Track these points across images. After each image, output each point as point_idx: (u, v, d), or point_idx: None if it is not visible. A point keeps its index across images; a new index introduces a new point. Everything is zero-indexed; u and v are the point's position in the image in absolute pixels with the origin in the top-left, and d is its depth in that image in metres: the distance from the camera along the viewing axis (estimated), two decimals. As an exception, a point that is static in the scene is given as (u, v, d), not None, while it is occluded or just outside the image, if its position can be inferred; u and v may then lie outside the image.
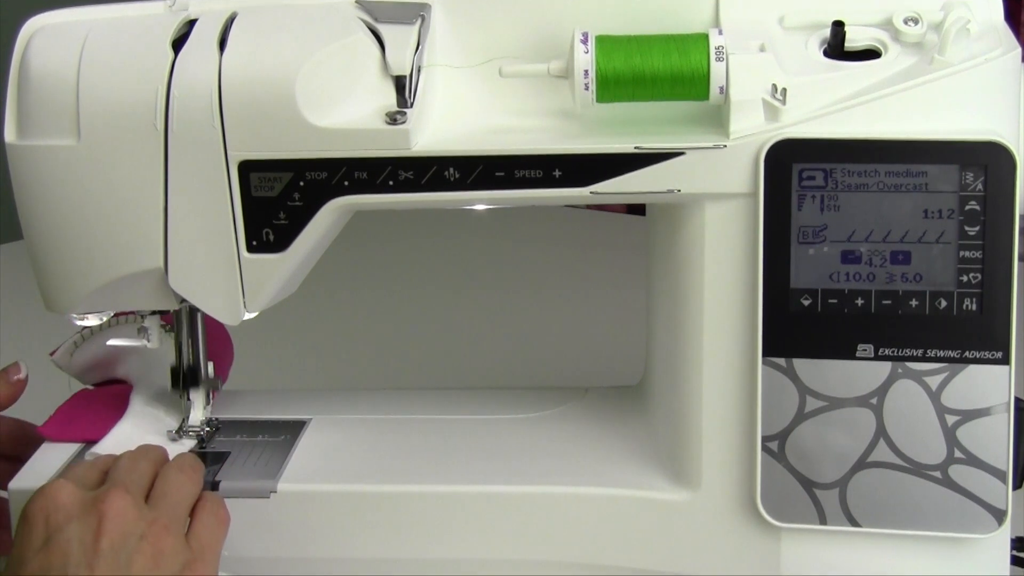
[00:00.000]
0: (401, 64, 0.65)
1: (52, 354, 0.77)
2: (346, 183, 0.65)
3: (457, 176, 0.65)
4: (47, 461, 0.74)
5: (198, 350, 0.75)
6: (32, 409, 0.78)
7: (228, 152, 0.65)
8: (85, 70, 0.65)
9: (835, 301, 0.64)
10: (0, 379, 0.76)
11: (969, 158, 0.62)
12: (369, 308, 1.26)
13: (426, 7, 0.68)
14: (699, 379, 0.68)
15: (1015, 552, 0.68)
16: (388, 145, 0.64)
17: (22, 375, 0.76)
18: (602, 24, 0.66)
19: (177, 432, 0.75)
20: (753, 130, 0.63)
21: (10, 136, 0.67)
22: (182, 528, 0.64)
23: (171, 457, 0.69)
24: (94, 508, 0.61)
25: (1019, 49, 0.64)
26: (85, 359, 0.78)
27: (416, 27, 0.67)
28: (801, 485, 0.66)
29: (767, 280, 0.65)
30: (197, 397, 0.76)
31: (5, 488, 0.73)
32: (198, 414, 0.76)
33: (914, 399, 0.64)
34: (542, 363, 1.10)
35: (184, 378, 0.75)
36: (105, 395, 0.78)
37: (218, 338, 0.77)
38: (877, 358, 0.64)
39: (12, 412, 0.77)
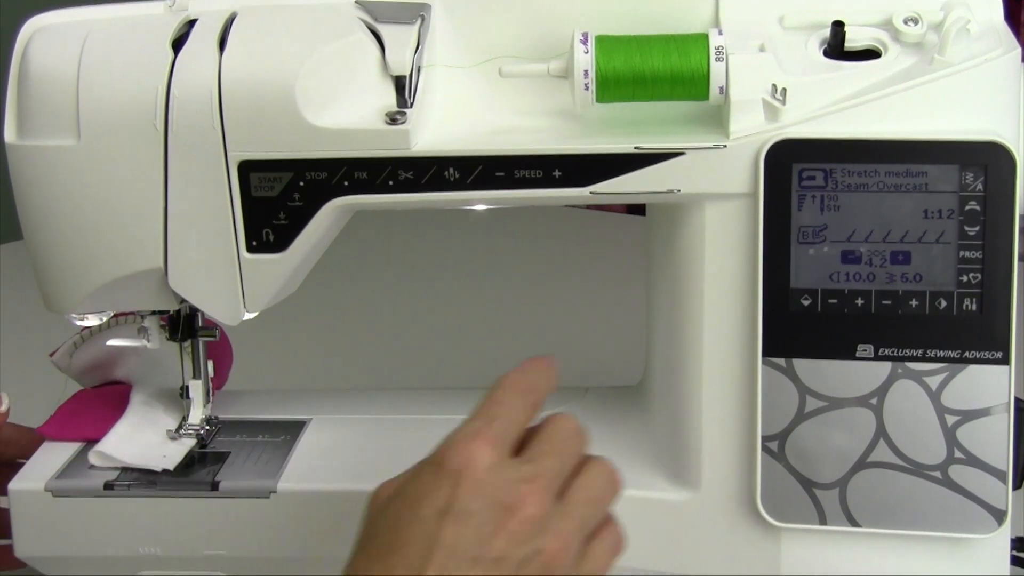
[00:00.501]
0: (401, 64, 0.65)
1: (51, 355, 0.77)
2: (346, 183, 0.65)
3: (457, 176, 0.65)
4: (47, 461, 0.74)
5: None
6: (32, 409, 0.78)
7: (228, 152, 0.65)
8: (85, 70, 0.65)
9: (835, 301, 0.64)
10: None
11: (969, 158, 0.62)
12: (369, 308, 1.26)
13: (426, 7, 0.68)
14: (699, 379, 0.68)
15: (1015, 552, 0.68)
16: (388, 145, 0.64)
17: (3, 408, 0.74)
18: (602, 24, 0.66)
19: (177, 431, 0.75)
20: (753, 130, 0.63)
21: (10, 136, 0.67)
22: (582, 548, 0.57)
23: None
24: (506, 497, 0.55)
25: (1019, 49, 0.64)
26: (84, 360, 0.78)
27: (416, 27, 0.67)
28: (801, 485, 0.66)
29: (767, 280, 0.65)
30: (197, 394, 0.76)
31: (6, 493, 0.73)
32: (198, 413, 0.76)
33: (914, 399, 0.64)
34: (542, 363, 1.09)
35: (182, 327, 0.74)
36: (105, 395, 0.78)
37: (218, 342, 0.77)
38: (877, 358, 0.64)
39: (13, 413, 0.77)
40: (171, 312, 0.73)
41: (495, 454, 0.55)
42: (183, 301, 0.69)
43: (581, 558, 0.56)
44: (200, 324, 0.74)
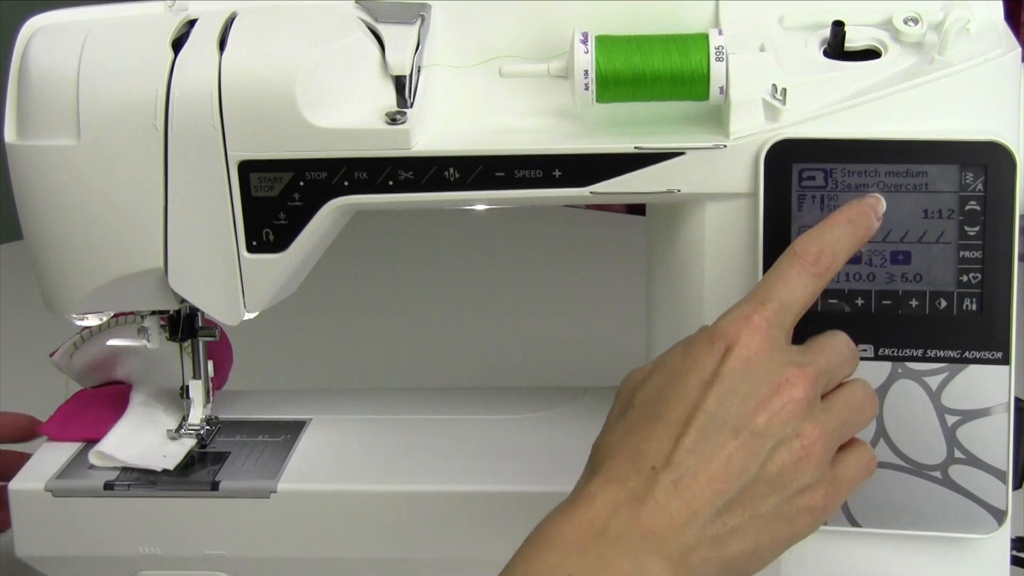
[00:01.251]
0: (401, 64, 0.65)
1: (52, 355, 0.77)
2: (346, 183, 0.65)
3: (457, 176, 0.65)
4: (47, 461, 0.74)
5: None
6: (33, 409, 0.78)
7: (228, 152, 0.65)
8: (85, 70, 0.65)
9: (835, 301, 0.64)
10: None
11: (969, 158, 0.62)
12: (369, 308, 1.26)
13: (426, 7, 0.68)
14: (699, 379, 0.68)
15: (1015, 552, 0.68)
16: (388, 145, 0.64)
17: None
18: (602, 24, 0.66)
19: (177, 431, 0.75)
20: (753, 130, 0.63)
21: (10, 136, 0.67)
22: (833, 451, 0.57)
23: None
24: (774, 376, 0.55)
25: (1019, 49, 0.64)
26: (85, 360, 0.78)
27: (416, 27, 0.67)
28: (801, 485, 0.66)
29: (767, 280, 0.65)
30: (197, 394, 0.76)
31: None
32: (198, 413, 0.76)
33: (914, 399, 0.64)
34: (542, 363, 1.10)
35: (182, 327, 0.74)
36: (105, 395, 0.78)
37: (218, 342, 0.77)
38: (877, 358, 0.64)
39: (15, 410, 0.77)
40: (171, 312, 0.73)
41: (765, 338, 0.56)
42: (183, 301, 0.69)
43: (833, 465, 0.57)
44: (200, 324, 0.74)
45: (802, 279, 0.58)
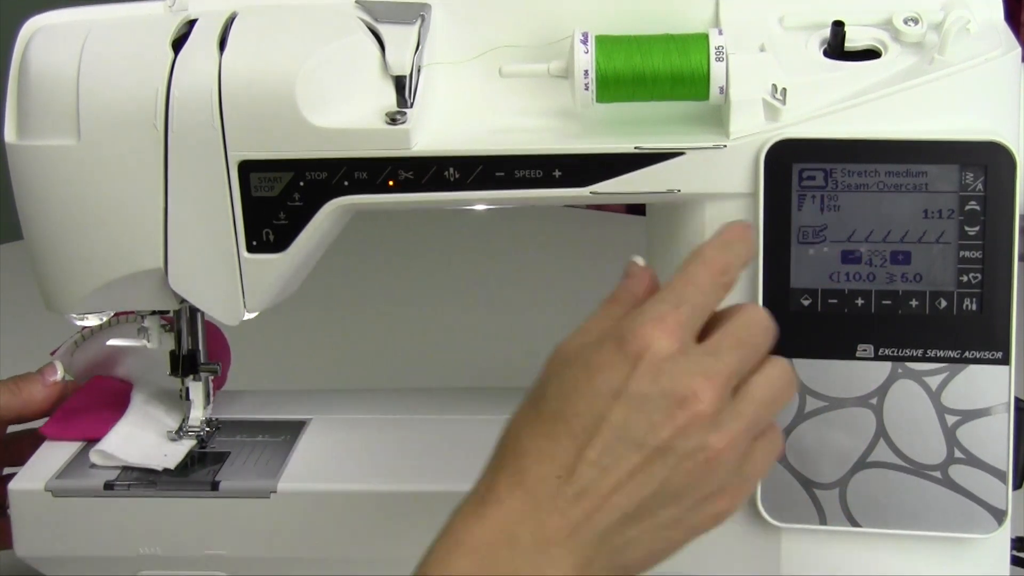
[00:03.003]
0: (401, 64, 0.65)
1: (52, 354, 0.77)
2: (346, 183, 0.65)
3: (457, 176, 0.65)
4: (47, 461, 0.74)
5: (197, 338, 0.74)
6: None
7: (228, 152, 0.65)
8: (85, 70, 0.65)
9: (835, 301, 0.64)
10: (32, 382, 0.75)
11: (969, 158, 0.62)
12: (369, 308, 1.26)
13: (426, 7, 0.68)
14: (699, 379, 0.68)
15: (1015, 552, 0.68)
16: (388, 145, 0.64)
17: (58, 377, 0.75)
18: (602, 24, 0.66)
19: (177, 432, 0.75)
20: (753, 130, 0.63)
21: (10, 136, 0.67)
22: (744, 452, 0.56)
23: None
24: (681, 388, 0.54)
25: (1019, 49, 0.64)
26: (86, 359, 0.78)
27: (416, 27, 0.67)
28: (801, 485, 0.66)
29: (767, 280, 0.65)
30: (197, 395, 0.76)
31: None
32: (198, 414, 0.76)
33: (914, 399, 0.64)
34: (542, 363, 1.09)
35: (183, 365, 0.75)
36: (105, 393, 0.78)
37: (215, 341, 0.77)
38: (877, 358, 0.64)
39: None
40: (172, 349, 0.74)
41: (677, 342, 0.55)
42: (183, 301, 0.69)
43: (743, 458, 0.56)
44: (202, 360, 0.75)
45: (713, 286, 0.57)
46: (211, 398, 0.77)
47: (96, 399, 0.78)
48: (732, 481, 0.56)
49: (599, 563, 0.54)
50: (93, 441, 0.74)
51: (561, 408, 0.55)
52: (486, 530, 0.54)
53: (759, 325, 0.57)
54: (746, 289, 0.65)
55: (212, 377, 0.76)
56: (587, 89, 0.64)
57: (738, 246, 0.58)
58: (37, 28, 0.68)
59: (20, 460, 0.75)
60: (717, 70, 0.63)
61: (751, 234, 0.59)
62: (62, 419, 0.76)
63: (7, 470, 0.76)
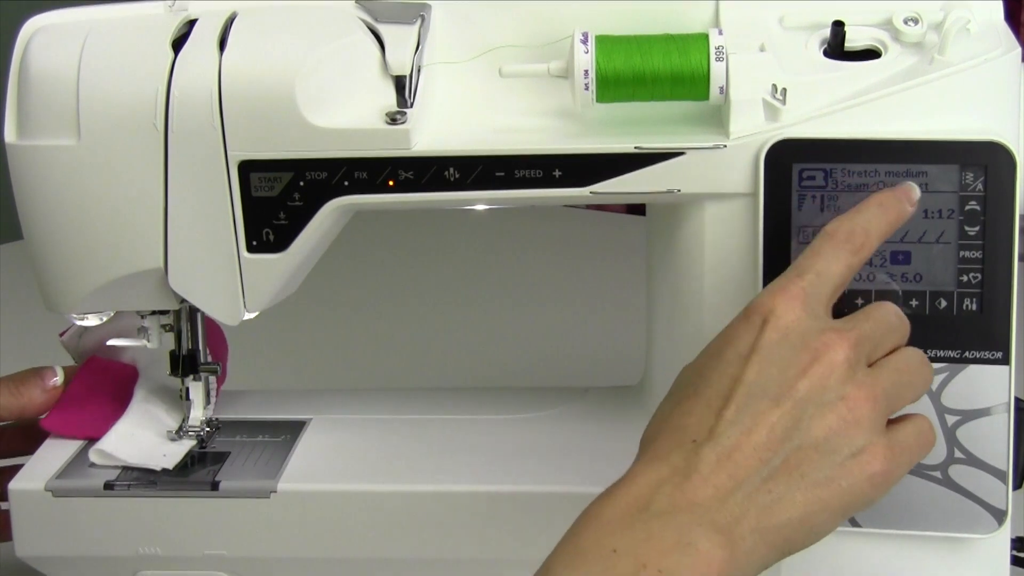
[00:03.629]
0: (401, 64, 0.65)
1: (61, 335, 0.77)
2: (346, 183, 0.65)
3: (457, 176, 0.65)
4: (47, 461, 0.74)
5: (197, 338, 0.74)
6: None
7: (228, 152, 0.65)
8: (85, 70, 0.65)
9: (835, 301, 0.64)
10: (32, 383, 0.74)
11: (969, 158, 0.62)
12: (369, 308, 1.26)
13: (426, 7, 0.68)
14: (699, 379, 0.68)
15: (1015, 552, 0.68)
16: (388, 145, 0.64)
17: (58, 381, 0.75)
18: (602, 24, 0.66)
19: (177, 432, 0.75)
20: (753, 130, 0.63)
21: (10, 136, 0.67)
22: (886, 416, 0.56)
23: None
24: (813, 342, 0.55)
25: (1019, 49, 0.64)
26: (93, 341, 0.77)
27: (416, 27, 0.67)
28: (801, 485, 0.66)
29: (767, 280, 0.65)
30: (197, 395, 0.76)
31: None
32: (198, 413, 0.76)
33: (914, 399, 0.64)
34: (542, 363, 1.10)
35: (183, 365, 0.75)
36: (105, 380, 0.77)
37: (213, 335, 0.77)
38: (877, 358, 0.64)
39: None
40: (171, 349, 0.74)
41: (802, 306, 0.56)
42: (183, 301, 0.69)
43: (890, 431, 0.56)
44: (203, 360, 0.75)
45: (837, 254, 0.58)
46: (212, 397, 0.76)
47: (96, 386, 0.77)
48: (881, 440, 0.55)
49: (748, 523, 0.52)
50: (93, 441, 0.74)
51: (693, 387, 0.55)
52: (618, 505, 0.52)
53: (893, 315, 0.58)
54: (747, 289, 0.65)
55: (213, 377, 0.76)
56: (587, 89, 0.64)
57: (873, 211, 0.59)
58: (37, 28, 0.68)
59: (10, 452, 0.75)
60: (717, 70, 0.63)
61: (902, 196, 0.60)
62: (62, 411, 0.76)
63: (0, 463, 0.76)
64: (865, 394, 0.55)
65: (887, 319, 0.58)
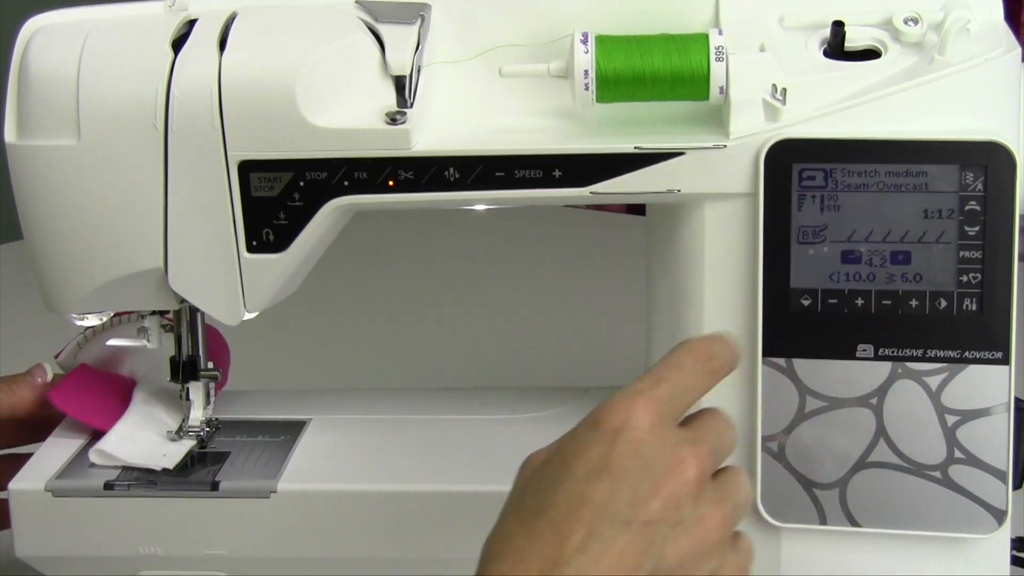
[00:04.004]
0: (401, 64, 0.65)
1: (57, 356, 0.77)
2: (346, 183, 0.65)
3: (457, 176, 0.65)
4: (48, 461, 0.74)
5: (197, 343, 0.75)
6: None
7: (228, 152, 0.65)
8: (85, 70, 0.65)
9: (835, 301, 0.64)
10: (23, 383, 0.75)
11: (969, 158, 0.62)
12: (369, 308, 1.26)
13: (426, 7, 0.68)
14: (699, 379, 0.68)
15: (1015, 552, 0.68)
16: (388, 145, 0.64)
17: (48, 378, 0.76)
18: (602, 24, 0.66)
19: (177, 432, 0.75)
20: (753, 130, 0.63)
21: (10, 136, 0.67)
22: (731, 530, 0.54)
23: None
24: (666, 458, 0.51)
25: (1019, 49, 0.64)
26: (89, 359, 0.78)
27: (416, 27, 0.67)
28: (801, 485, 0.66)
29: (767, 280, 0.65)
30: (197, 396, 0.76)
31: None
32: (198, 414, 0.76)
33: (914, 399, 0.64)
34: (542, 363, 1.10)
35: (183, 371, 0.75)
36: (110, 378, 0.78)
37: (214, 343, 0.77)
38: (877, 358, 0.64)
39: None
40: (172, 355, 0.74)
41: (656, 415, 0.52)
42: (183, 301, 0.69)
43: (734, 549, 0.53)
44: (203, 366, 0.75)
45: (697, 369, 0.54)
46: (212, 399, 0.76)
47: (102, 376, 0.77)
48: (732, 558, 0.52)
49: None
50: (93, 440, 0.74)
51: (540, 504, 0.51)
52: None
53: (726, 423, 0.55)
54: (746, 289, 0.65)
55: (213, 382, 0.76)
56: (587, 89, 0.64)
57: (725, 345, 0.56)
58: (37, 28, 0.68)
59: (5, 445, 0.76)
60: (717, 70, 0.63)
61: (736, 348, 0.57)
62: (71, 390, 0.75)
63: None
64: (719, 517, 0.52)
65: (726, 431, 0.55)
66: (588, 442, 0.51)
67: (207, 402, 0.76)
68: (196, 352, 0.75)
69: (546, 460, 0.53)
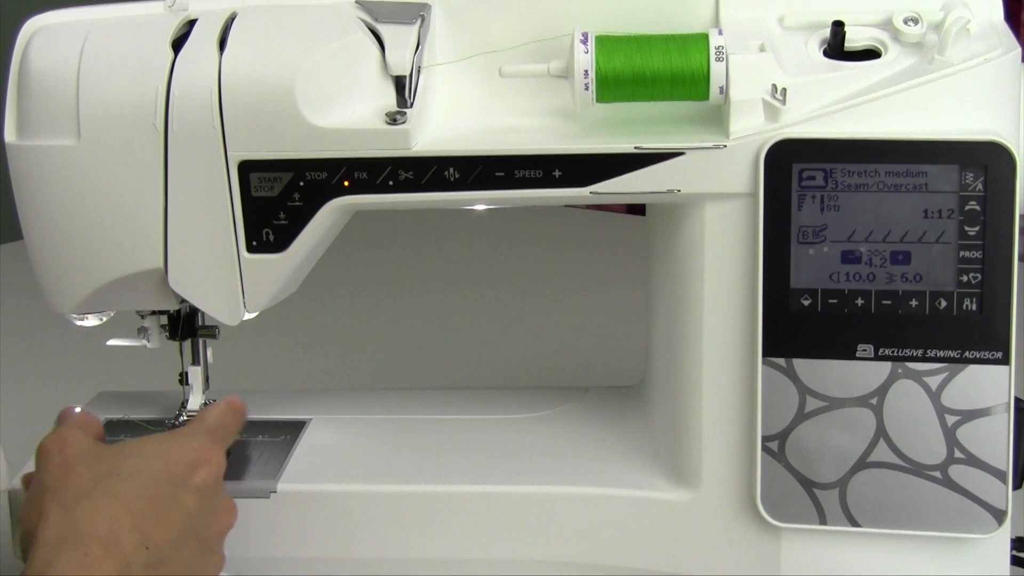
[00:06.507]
0: (401, 64, 0.65)
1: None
2: (346, 183, 0.65)
3: (457, 176, 0.65)
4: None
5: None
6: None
7: (228, 152, 0.65)
8: (85, 70, 0.65)
9: (835, 301, 0.64)
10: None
11: (969, 158, 0.62)
12: (369, 308, 1.26)
13: (426, 7, 0.68)
14: (699, 379, 0.68)
15: (1015, 552, 0.68)
16: (388, 145, 0.64)
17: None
18: (602, 24, 0.66)
19: (176, 417, 0.75)
20: (753, 130, 0.63)
21: (10, 136, 0.67)
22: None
23: None
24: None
25: (1019, 49, 0.64)
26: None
27: (416, 27, 0.67)
28: (801, 485, 0.66)
29: (767, 280, 0.65)
30: (196, 380, 0.76)
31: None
32: (197, 399, 0.76)
33: (914, 399, 0.64)
34: (542, 363, 1.10)
35: (181, 327, 0.74)
36: None
37: None
38: (877, 358, 0.64)
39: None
40: (171, 312, 0.73)
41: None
42: (183, 301, 0.69)
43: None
44: (200, 323, 0.74)
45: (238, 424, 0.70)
46: (210, 384, 0.76)
47: None
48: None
49: None
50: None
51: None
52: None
53: None
54: (746, 289, 0.66)
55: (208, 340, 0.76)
56: (587, 89, 0.64)
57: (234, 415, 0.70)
58: (37, 28, 0.68)
59: None
60: (717, 70, 0.63)
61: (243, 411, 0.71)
62: None
63: None
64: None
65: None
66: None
67: (207, 386, 0.76)
68: (195, 309, 0.73)
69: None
